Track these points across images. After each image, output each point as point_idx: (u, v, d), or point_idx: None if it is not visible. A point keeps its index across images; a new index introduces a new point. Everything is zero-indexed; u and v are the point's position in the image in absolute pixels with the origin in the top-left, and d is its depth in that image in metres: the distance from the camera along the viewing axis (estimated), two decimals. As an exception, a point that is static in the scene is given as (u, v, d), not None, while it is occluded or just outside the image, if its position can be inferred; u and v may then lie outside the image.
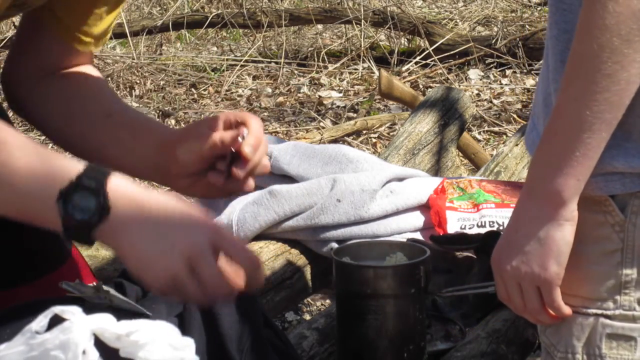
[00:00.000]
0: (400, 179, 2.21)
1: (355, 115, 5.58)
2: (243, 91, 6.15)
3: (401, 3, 6.97)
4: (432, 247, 1.84)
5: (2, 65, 1.74)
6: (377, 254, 1.70)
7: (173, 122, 5.67)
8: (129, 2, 7.70)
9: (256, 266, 1.32)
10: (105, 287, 1.34)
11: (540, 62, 6.16)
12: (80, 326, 1.19)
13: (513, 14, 7.48)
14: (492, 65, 6.24)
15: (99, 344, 1.20)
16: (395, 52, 6.36)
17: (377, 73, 5.97)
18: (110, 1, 1.68)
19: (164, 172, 1.64)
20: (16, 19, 6.56)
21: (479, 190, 2.21)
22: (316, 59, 6.44)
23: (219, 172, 1.58)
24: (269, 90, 6.12)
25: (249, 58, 6.50)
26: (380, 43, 6.66)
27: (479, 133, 5.28)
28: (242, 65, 6.44)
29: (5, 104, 1.77)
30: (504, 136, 5.17)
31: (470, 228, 2.12)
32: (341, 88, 6.14)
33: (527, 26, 6.93)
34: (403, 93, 4.06)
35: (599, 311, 1.30)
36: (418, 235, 2.12)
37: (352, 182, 2.11)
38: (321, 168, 2.21)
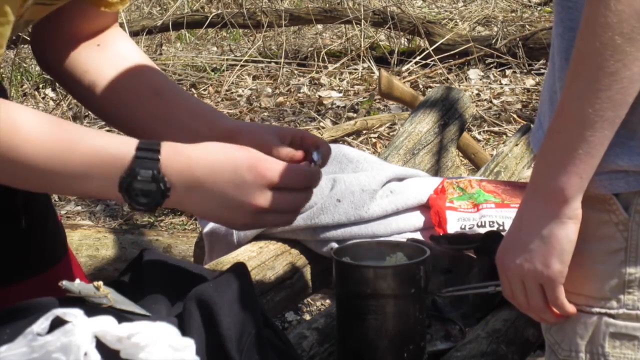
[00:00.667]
0: (400, 179, 2.21)
1: (355, 115, 5.58)
2: (243, 91, 6.15)
3: (401, 3, 6.97)
4: (432, 247, 1.84)
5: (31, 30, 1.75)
6: (377, 254, 1.70)
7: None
8: (129, 2, 7.70)
9: (312, 176, 1.53)
10: (105, 287, 1.34)
11: (541, 62, 6.17)
12: (82, 328, 1.19)
13: (513, 14, 7.48)
14: (492, 65, 6.24)
15: (100, 346, 1.20)
16: (395, 52, 6.37)
17: (377, 73, 5.97)
18: None
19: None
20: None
21: (479, 190, 2.21)
22: (316, 59, 6.44)
23: None
24: (269, 90, 6.12)
25: (249, 58, 6.51)
26: (380, 43, 6.66)
27: (479, 133, 5.28)
28: (242, 65, 6.44)
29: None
30: (504, 136, 5.17)
31: (470, 228, 2.12)
32: (341, 88, 6.15)
33: (527, 26, 6.93)
34: (403, 93, 4.07)
35: (603, 310, 1.30)
36: (418, 235, 2.12)
37: (352, 182, 2.11)
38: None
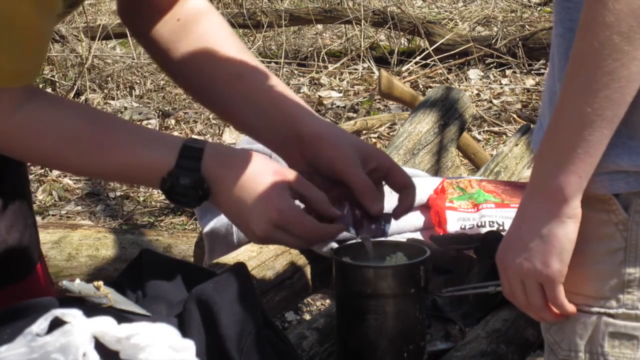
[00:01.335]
0: (400, 179, 2.20)
1: (355, 115, 5.58)
2: (243, 91, 6.14)
3: (401, 3, 6.97)
4: (432, 247, 1.84)
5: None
6: (377, 254, 1.70)
7: (173, 122, 5.67)
8: (129, 2, 7.69)
9: (319, 235, 1.58)
10: (105, 287, 1.34)
11: (540, 62, 6.17)
12: (81, 329, 1.19)
13: (513, 14, 7.48)
14: (492, 65, 6.24)
15: (100, 346, 1.20)
16: (395, 52, 6.37)
17: (377, 73, 5.97)
18: None
19: (287, 151, 1.69)
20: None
21: (479, 190, 2.21)
22: (316, 59, 6.44)
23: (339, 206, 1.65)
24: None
25: (249, 58, 6.50)
26: (380, 43, 6.66)
27: (479, 133, 5.28)
28: (242, 65, 6.43)
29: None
30: (504, 136, 5.17)
31: (470, 228, 2.12)
32: (341, 88, 6.15)
33: (527, 26, 6.94)
34: (403, 93, 4.07)
35: (602, 310, 1.30)
36: (418, 235, 2.12)
37: (352, 182, 2.10)
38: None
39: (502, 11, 7.54)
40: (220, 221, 2.14)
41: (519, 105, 5.70)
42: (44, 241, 3.09)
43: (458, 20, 7.27)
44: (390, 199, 2.12)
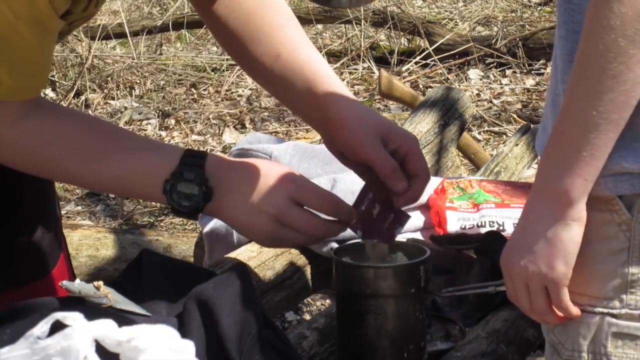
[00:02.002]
0: (400, 179, 2.20)
1: (355, 115, 5.57)
2: (243, 91, 6.15)
3: (401, 3, 6.97)
4: (432, 247, 1.84)
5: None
6: (377, 254, 1.70)
7: (173, 122, 5.67)
8: (129, 2, 7.70)
9: (337, 206, 1.59)
10: (105, 287, 1.34)
11: (541, 62, 6.17)
12: (82, 332, 1.19)
13: (513, 14, 7.48)
14: (492, 65, 6.24)
15: (100, 349, 1.20)
16: (395, 52, 6.37)
17: (377, 73, 5.97)
18: None
19: (322, 135, 1.72)
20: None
21: (479, 190, 2.21)
22: (316, 59, 6.43)
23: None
24: (269, 90, 6.12)
25: (249, 58, 6.50)
26: (380, 43, 6.66)
27: (479, 133, 5.28)
28: (242, 65, 6.43)
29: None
30: (504, 136, 5.17)
31: (470, 228, 2.12)
32: (341, 88, 6.14)
33: (527, 26, 6.93)
34: (403, 93, 4.06)
35: (605, 310, 1.30)
36: (418, 235, 2.12)
37: (352, 182, 2.10)
38: (321, 168, 2.21)
39: (502, 11, 7.54)
40: (220, 221, 2.14)
41: (519, 105, 5.70)
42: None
43: (458, 20, 7.27)
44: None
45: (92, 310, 1.28)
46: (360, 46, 6.52)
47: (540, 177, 1.28)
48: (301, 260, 2.08)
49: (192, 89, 6.24)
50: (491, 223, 2.13)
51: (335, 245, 2.02)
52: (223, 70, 6.41)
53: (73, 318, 1.20)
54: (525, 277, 1.30)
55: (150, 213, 4.55)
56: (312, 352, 1.72)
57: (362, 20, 6.53)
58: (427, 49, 6.28)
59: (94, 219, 4.50)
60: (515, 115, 5.47)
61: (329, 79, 1.68)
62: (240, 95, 6.10)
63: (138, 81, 6.23)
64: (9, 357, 1.19)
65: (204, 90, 6.21)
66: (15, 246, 1.69)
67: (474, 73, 6.20)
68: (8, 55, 1.42)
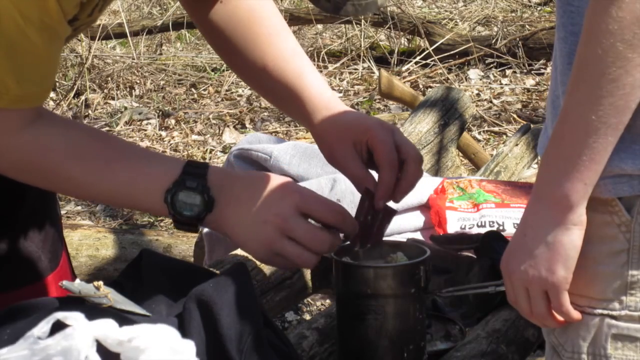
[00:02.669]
0: (400, 179, 2.20)
1: (355, 115, 5.57)
2: (243, 91, 6.15)
3: (401, 3, 6.97)
4: (432, 247, 1.84)
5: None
6: (377, 254, 1.70)
7: (173, 122, 5.67)
8: (129, 2, 7.70)
9: (343, 217, 1.56)
10: (105, 287, 1.34)
11: (540, 62, 6.17)
12: (83, 332, 1.19)
13: (513, 14, 7.47)
14: (492, 65, 6.24)
15: (101, 350, 1.20)
16: (395, 52, 6.36)
17: (377, 73, 5.97)
18: None
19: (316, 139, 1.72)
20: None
21: (479, 190, 2.21)
22: (316, 59, 6.44)
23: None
24: (269, 90, 6.12)
25: (249, 58, 6.50)
26: (380, 43, 6.66)
27: (479, 133, 5.28)
28: (242, 65, 6.43)
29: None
30: (504, 136, 5.17)
31: (470, 228, 2.12)
32: (341, 88, 6.14)
33: (527, 26, 6.93)
34: (403, 93, 4.06)
35: (605, 311, 1.30)
36: (418, 235, 2.12)
37: (352, 182, 2.10)
38: (321, 168, 2.21)
39: (502, 11, 7.54)
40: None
41: (519, 105, 5.69)
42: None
43: (458, 20, 7.27)
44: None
45: (93, 310, 1.28)
46: (360, 46, 6.52)
47: (540, 182, 1.28)
48: (301, 260, 2.08)
49: (192, 89, 6.24)
50: (491, 223, 2.13)
51: (335, 245, 2.02)
52: (223, 70, 6.41)
53: (74, 318, 1.20)
54: (525, 282, 1.30)
55: (150, 213, 4.55)
56: (312, 352, 1.72)
57: (362, 20, 6.53)
58: (427, 49, 6.28)
59: (94, 219, 4.50)
60: (515, 115, 5.47)
61: (311, 90, 1.71)
62: (240, 95, 6.10)
63: (138, 81, 6.23)
64: (8, 357, 1.19)
65: (204, 90, 6.21)
66: (17, 246, 1.69)
67: (474, 73, 6.20)
68: (16, 61, 1.41)
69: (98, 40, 6.37)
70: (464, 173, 3.15)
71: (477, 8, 7.55)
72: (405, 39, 6.70)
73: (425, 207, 2.17)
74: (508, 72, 6.17)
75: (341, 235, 1.61)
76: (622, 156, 1.23)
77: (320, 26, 7.15)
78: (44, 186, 1.58)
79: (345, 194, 2.09)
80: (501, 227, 2.11)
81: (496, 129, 5.33)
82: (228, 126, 5.47)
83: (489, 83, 6.07)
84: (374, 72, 6.22)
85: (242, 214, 1.52)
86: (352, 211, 2.07)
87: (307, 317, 3.42)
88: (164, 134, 5.54)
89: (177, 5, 7.27)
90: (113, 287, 1.38)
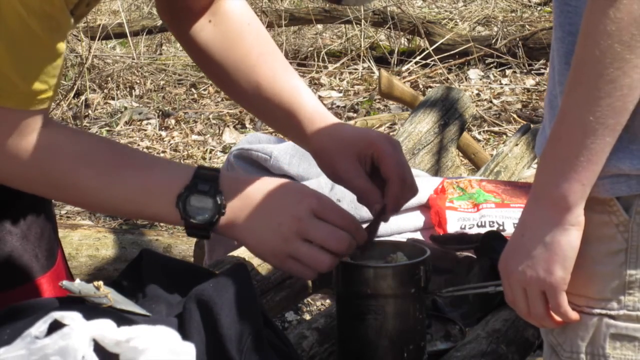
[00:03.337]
0: (400, 179, 2.20)
1: (355, 115, 5.58)
2: (243, 91, 6.14)
3: (401, 3, 6.97)
4: (432, 247, 1.84)
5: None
6: (377, 254, 1.70)
7: (173, 122, 5.67)
8: (129, 2, 7.69)
9: (356, 227, 1.54)
10: (105, 287, 1.34)
11: (540, 62, 6.17)
12: (80, 332, 1.19)
13: (513, 14, 7.48)
14: (492, 65, 6.24)
15: (99, 349, 1.20)
16: (395, 52, 6.37)
17: (377, 73, 5.97)
18: None
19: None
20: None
21: (479, 190, 2.21)
22: (316, 59, 6.44)
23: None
24: (269, 90, 6.12)
25: (249, 58, 6.49)
26: (380, 43, 6.66)
27: (479, 133, 5.28)
28: (242, 65, 6.43)
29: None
30: (504, 136, 5.17)
31: (470, 228, 2.12)
32: (341, 88, 6.15)
33: (527, 26, 6.93)
34: (403, 93, 4.06)
35: (603, 311, 1.30)
36: (418, 235, 2.12)
37: (352, 182, 2.10)
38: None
39: (502, 11, 7.54)
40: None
41: (519, 105, 5.70)
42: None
43: (458, 20, 7.27)
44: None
45: (91, 309, 1.28)
46: (360, 46, 6.52)
47: (538, 182, 1.28)
48: (301, 260, 2.08)
49: (192, 89, 6.24)
50: (491, 223, 2.13)
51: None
52: (223, 70, 6.40)
53: (71, 317, 1.20)
54: (523, 282, 1.30)
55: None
56: (312, 352, 1.72)
57: (362, 20, 6.53)
58: (427, 49, 6.28)
59: (94, 219, 4.50)
60: (515, 115, 5.47)
61: (306, 107, 1.70)
62: (240, 95, 6.09)
63: (138, 81, 6.23)
64: (6, 357, 1.19)
65: (204, 90, 6.21)
66: (12, 245, 1.68)
67: (474, 73, 6.20)
68: (20, 55, 1.38)
69: (98, 40, 6.37)
70: (464, 173, 3.15)
71: (477, 8, 7.56)
72: (405, 39, 6.70)
73: (425, 207, 2.17)
74: (508, 72, 6.17)
75: None
76: (620, 156, 1.24)
77: (320, 26, 7.15)
78: (50, 194, 1.56)
79: (345, 194, 2.09)
80: (501, 227, 2.11)
81: (496, 129, 5.33)
82: (228, 126, 5.47)
83: (489, 83, 6.07)
84: (374, 72, 6.22)
85: (256, 218, 1.49)
86: (353, 211, 2.08)
87: (307, 317, 3.42)
88: (164, 134, 5.54)
89: (177, 5, 7.27)
90: (113, 287, 1.38)
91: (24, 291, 1.64)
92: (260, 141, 2.33)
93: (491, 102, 5.78)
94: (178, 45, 7.12)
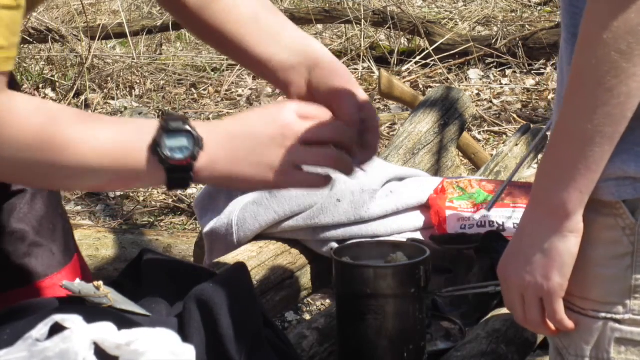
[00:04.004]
0: (400, 179, 2.21)
1: (355, 115, 5.57)
2: (243, 91, 6.15)
3: (401, 3, 6.97)
4: (432, 247, 1.84)
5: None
6: (377, 254, 1.70)
7: (173, 122, 5.67)
8: (129, 2, 7.69)
9: (339, 125, 1.42)
10: (105, 287, 1.34)
11: (540, 62, 6.17)
12: (81, 335, 1.19)
13: (513, 14, 7.48)
14: (492, 65, 6.24)
15: (99, 352, 1.20)
16: (395, 52, 6.37)
17: (377, 73, 5.97)
18: None
19: (293, 75, 1.59)
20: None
21: (479, 190, 2.21)
22: (316, 59, 6.43)
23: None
24: (269, 90, 6.12)
25: (249, 58, 6.50)
26: (380, 43, 6.66)
27: (479, 133, 5.28)
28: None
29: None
30: (504, 136, 5.17)
31: (470, 228, 2.12)
32: (341, 88, 6.14)
33: (527, 26, 6.94)
34: (403, 93, 4.06)
35: (609, 315, 1.29)
36: (418, 235, 2.12)
37: (352, 182, 2.11)
38: (321, 168, 2.21)
39: (502, 11, 7.54)
40: (220, 221, 2.15)
41: (519, 105, 5.70)
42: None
43: (458, 20, 7.27)
44: (393, 200, 2.12)
45: (92, 312, 1.28)
46: (360, 46, 6.52)
47: (537, 189, 1.28)
48: (301, 260, 2.09)
49: (192, 89, 6.24)
50: (491, 223, 2.13)
51: (335, 245, 2.03)
52: (223, 70, 6.41)
53: (72, 320, 1.20)
54: (521, 288, 1.30)
55: (150, 213, 4.56)
56: (312, 352, 1.72)
57: (362, 20, 6.53)
58: (427, 49, 6.28)
59: (94, 219, 4.50)
60: (515, 115, 5.47)
61: (301, 32, 1.63)
62: (240, 95, 6.10)
63: (138, 81, 6.23)
64: (7, 359, 1.19)
65: (204, 90, 6.21)
66: (28, 242, 1.68)
67: (474, 73, 6.20)
68: None
69: (98, 40, 6.37)
70: (464, 173, 3.15)
71: (477, 8, 7.56)
72: (405, 39, 6.70)
73: (425, 207, 2.17)
74: (508, 72, 6.17)
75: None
76: (625, 158, 1.23)
77: (320, 26, 7.16)
78: (11, 166, 1.36)
79: (345, 194, 2.09)
80: (501, 227, 2.11)
81: (496, 129, 5.33)
82: (228, 126, 5.47)
83: (489, 83, 6.07)
84: (374, 72, 6.22)
85: (241, 142, 1.38)
86: (352, 212, 2.08)
87: (307, 317, 3.42)
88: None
89: (177, 5, 7.27)
90: (113, 287, 1.38)
91: (40, 288, 1.65)
92: (260, 141, 2.33)
93: (491, 102, 5.78)
94: (178, 45, 7.13)
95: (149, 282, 1.46)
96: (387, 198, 2.12)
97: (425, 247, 1.68)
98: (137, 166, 1.35)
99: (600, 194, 1.25)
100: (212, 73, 6.43)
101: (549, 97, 5.73)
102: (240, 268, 1.46)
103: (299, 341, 1.73)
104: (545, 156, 1.27)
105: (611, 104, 1.18)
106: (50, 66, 6.46)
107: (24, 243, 1.68)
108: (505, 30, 6.60)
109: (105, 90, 6.12)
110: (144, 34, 6.65)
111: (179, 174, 1.35)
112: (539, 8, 7.71)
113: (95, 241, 3.34)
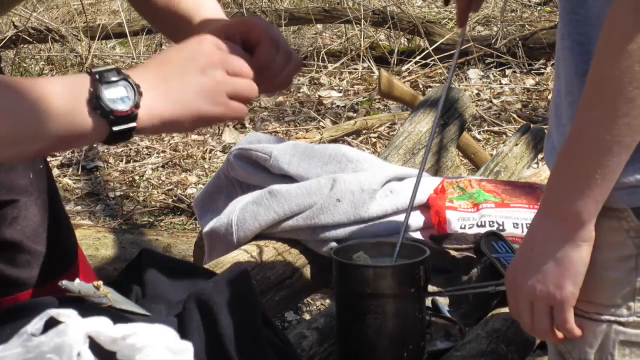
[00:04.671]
0: (401, 179, 2.21)
1: (355, 115, 5.58)
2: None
3: (401, 3, 6.97)
4: (432, 247, 1.84)
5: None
6: (377, 254, 1.70)
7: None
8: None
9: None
10: (105, 287, 1.34)
11: (540, 62, 6.17)
12: (75, 329, 1.18)
13: (513, 14, 7.48)
14: (492, 65, 6.24)
15: (96, 347, 1.20)
16: (395, 52, 6.37)
17: (377, 73, 5.97)
18: None
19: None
20: (15, 19, 6.55)
21: (479, 190, 2.21)
22: (316, 59, 6.44)
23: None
24: (269, 90, 6.12)
25: (249, 58, 6.49)
26: (380, 43, 6.66)
27: (479, 133, 5.28)
28: (242, 65, 6.43)
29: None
30: (504, 136, 5.17)
31: (470, 228, 2.12)
32: (341, 88, 6.14)
33: (527, 26, 6.94)
34: (403, 93, 4.06)
35: (613, 318, 1.29)
36: (418, 235, 2.12)
37: (352, 182, 2.11)
38: (321, 168, 2.21)
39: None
40: (220, 221, 2.15)
41: (519, 105, 5.70)
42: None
43: (458, 20, 7.26)
44: (393, 200, 2.12)
45: (88, 307, 1.28)
46: (360, 46, 6.52)
47: (549, 198, 1.27)
48: (301, 260, 2.09)
49: (192, 89, 6.23)
50: (491, 223, 2.13)
51: (335, 245, 2.03)
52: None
53: (67, 315, 1.20)
54: (531, 297, 1.30)
55: (150, 213, 4.56)
56: (312, 352, 1.72)
57: (362, 20, 6.53)
58: (427, 49, 6.28)
59: (94, 219, 4.50)
60: (515, 115, 5.47)
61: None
62: (240, 95, 6.09)
63: (138, 81, 6.23)
64: (2, 356, 1.19)
65: (204, 90, 6.21)
66: (27, 245, 1.68)
67: (474, 73, 6.20)
68: None
69: (98, 40, 6.37)
70: (464, 173, 3.15)
71: (477, 8, 7.55)
72: (405, 39, 6.70)
73: (425, 207, 2.17)
74: (508, 72, 6.17)
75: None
76: (637, 167, 1.23)
77: (320, 26, 7.16)
78: None
79: (345, 194, 2.09)
80: (501, 227, 2.11)
81: (496, 129, 5.33)
82: (228, 126, 5.47)
83: (489, 83, 6.07)
84: (374, 72, 6.22)
85: (174, 85, 1.32)
86: (352, 212, 2.08)
87: (307, 317, 3.42)
88: (163, 134, 5.53)
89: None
90: (113, 287, 1.38)
91: (45, 291, 1.65)
92: (260, 141, 2.33)
93: (491, 102, 5.78)
94: (178, 45, 7.13)
95: (149, 282, 1.46)
96: (387, 198, 2.12)
97: (425, 247, 1.68)
98: (80, 124, 1.27)
99: (612, 202, 1.25)
100: (212, 73, 6.43)
101: (549, 97, 5.73)
102: (240, 268, 1.46)
103: (299, 341, 1.73)
104: (559, 165, 1.26)
105: (632, 115, 1.18)
106: (51, 66, 6.46)
107: (21, 253, 1.68)
108: (505, 30, 6.60)
109: (105, 90, 6.11)
110: (144, 34, 6.65)
111: (123, 125, 1.28)
112: (539, 8, 7.71)
113: (95, 241, 3.34)
